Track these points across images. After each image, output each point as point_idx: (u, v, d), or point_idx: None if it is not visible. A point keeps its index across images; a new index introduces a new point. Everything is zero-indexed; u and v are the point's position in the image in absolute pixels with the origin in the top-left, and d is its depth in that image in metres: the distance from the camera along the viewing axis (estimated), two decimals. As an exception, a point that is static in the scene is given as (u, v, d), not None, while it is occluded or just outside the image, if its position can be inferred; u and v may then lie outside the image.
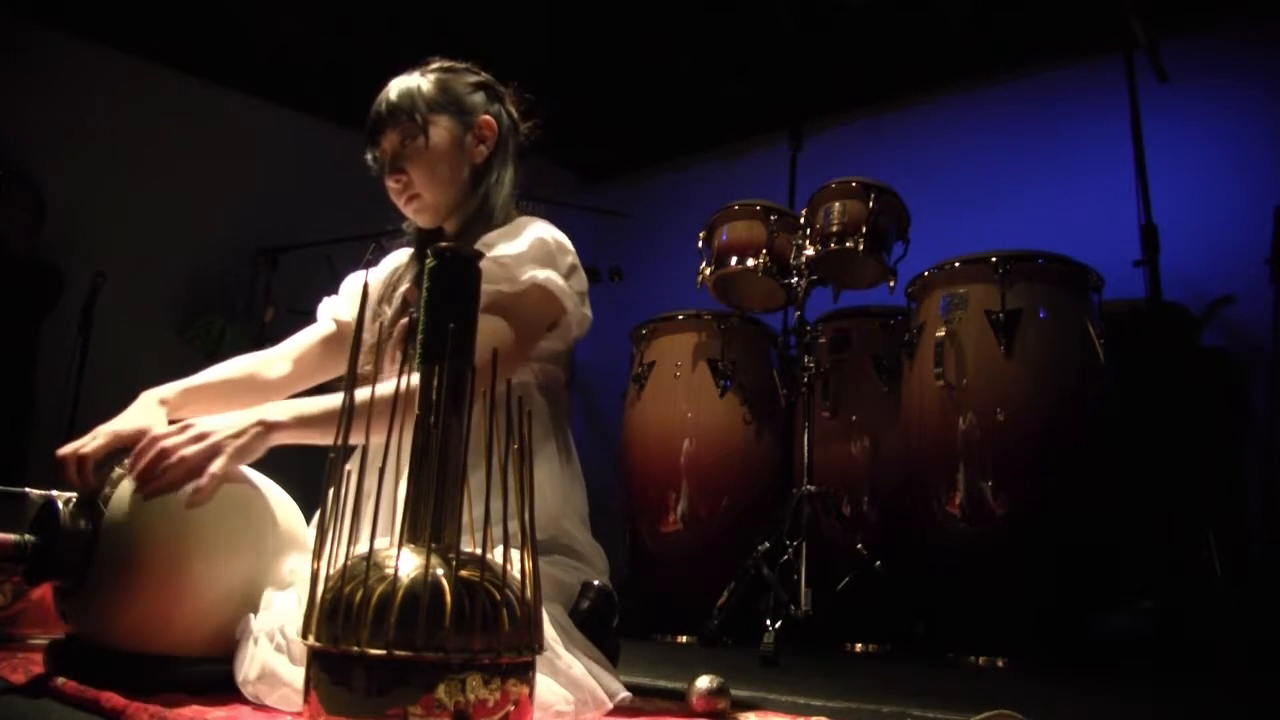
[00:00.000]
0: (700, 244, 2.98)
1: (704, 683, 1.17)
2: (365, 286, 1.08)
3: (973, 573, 2.41)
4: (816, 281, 2.73)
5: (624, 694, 1.13)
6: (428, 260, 0.97)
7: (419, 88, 1.47)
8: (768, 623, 2.17)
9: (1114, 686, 2.01)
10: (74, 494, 1.18)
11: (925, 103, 4.13)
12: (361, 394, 0.98)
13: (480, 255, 1.00)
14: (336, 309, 1.59)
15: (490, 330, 1.26)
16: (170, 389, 1.37)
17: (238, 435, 1.14)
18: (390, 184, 1.48)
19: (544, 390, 1.44)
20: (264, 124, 4.46)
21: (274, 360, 1.53)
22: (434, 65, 1.51)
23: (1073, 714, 1.57)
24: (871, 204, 2.66)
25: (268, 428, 1.16)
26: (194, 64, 4.22)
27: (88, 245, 3.77)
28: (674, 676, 1.54)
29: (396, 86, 1.48)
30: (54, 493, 1.36)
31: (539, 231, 1.38)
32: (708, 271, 2.92)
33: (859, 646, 2.64)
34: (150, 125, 4.11)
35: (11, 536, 1.09)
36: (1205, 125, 3.40)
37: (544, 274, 1.34)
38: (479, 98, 1.51)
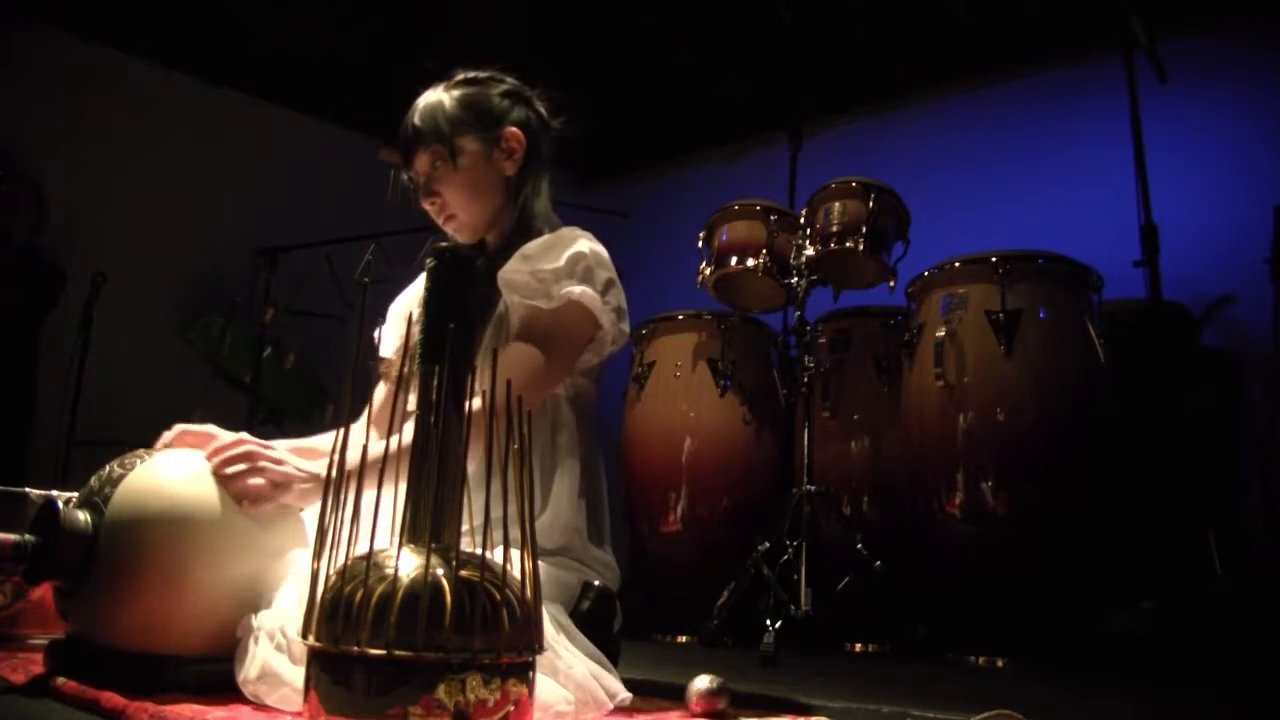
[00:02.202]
0: (700, 244, 2.98)
1: (704, 683, 1.17)
2: (361, 305, 1.08)
3: (973, 573, 2.41)
4: (816, 281, 2.72)
5: (625, 695, 1.13)
6: (428, 261, 0.97)
7: (443, 106, 1.45)
8: (768, 623, 2.17)
9: (1114, 686, 2.01)
10: (74, 494, 1.18)
11: (925, 103, 4.13)
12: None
13: (479, 255, 1.00)
14: (384, 353, 1.58)
15: (523, 356, 1.29)
16: (274, 445, 1.40)
17: (304, 482, 1.18)
18: (426, 206, 1.48)
19: (574, 404, 1.45)
20: (264, 124, 4.46)
21: (362, 432, 1.53)
22: (457, 78, 1.50)
23: (1073, 714, 1.57)
24: (871, 204, 2.66)
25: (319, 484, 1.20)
26: (194, 64, 4.22)
27: (88, 245, 3.77)
28: (674, 676, 1.53)
29: (421, 107, 1.46)
30: (54, 493, 1.36)
31: (579, 246, 1.38)
32: (708, 271, 2.92)
33: (859, 646, 2.64)
34: (150, 125, 4.11)
35: (11, 536, 1.09)
36: (1205, 125, 3.40)
37: (579, 290, 1.33)
38: (504, 107, 1.49)
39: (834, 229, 2.67)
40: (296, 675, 0.97)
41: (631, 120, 4.55)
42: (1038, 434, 2.35)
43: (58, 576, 1.11)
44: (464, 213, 1.46)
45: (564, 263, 1.34)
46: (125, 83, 4.07)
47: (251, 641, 1.05)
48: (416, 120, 1.45)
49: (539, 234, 1.44)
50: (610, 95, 4.37)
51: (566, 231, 1.44)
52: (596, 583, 1.35)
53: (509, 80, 1.53)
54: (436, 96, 1.47)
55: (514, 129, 1.48)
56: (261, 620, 1.07)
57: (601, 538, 1.43)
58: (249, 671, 1.02)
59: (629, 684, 1.16)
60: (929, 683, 1.99)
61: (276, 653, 1.02)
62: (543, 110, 1.54)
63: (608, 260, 1.41)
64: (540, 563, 1.29)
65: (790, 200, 3.55)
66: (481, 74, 1.51)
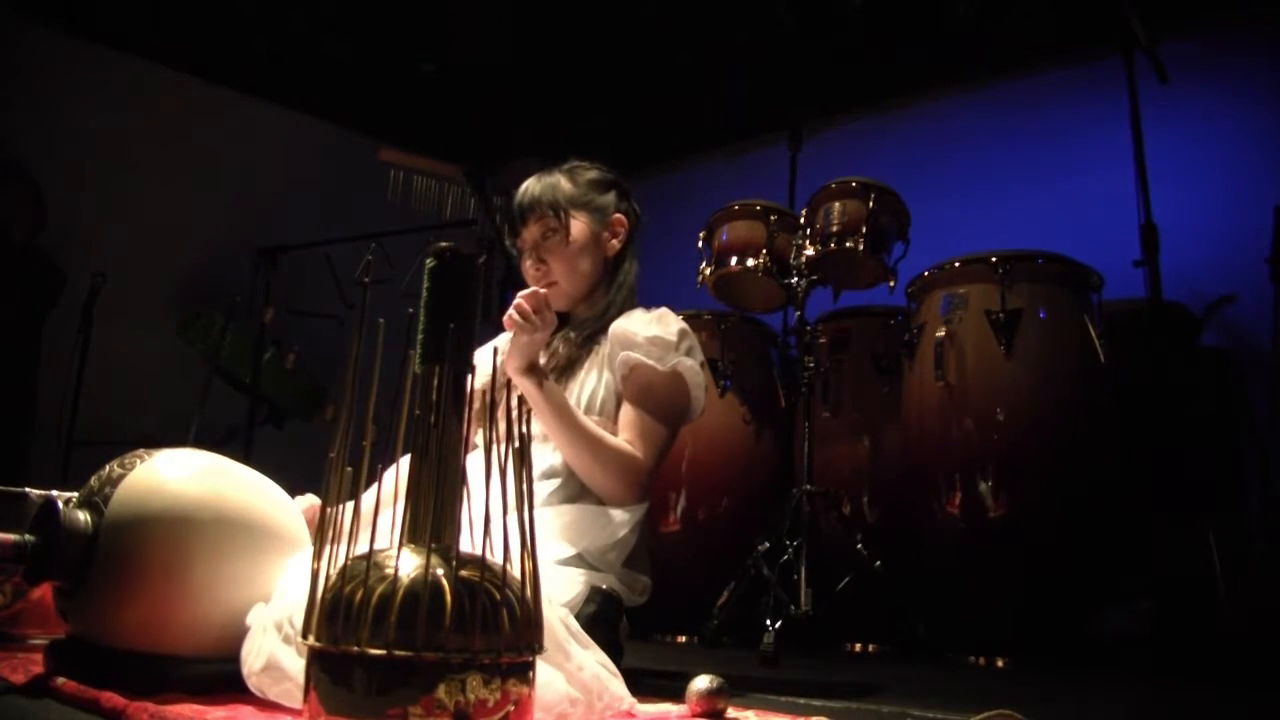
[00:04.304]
0: (700, 244, 2.98)
1: (703, 683, 1.17)
2: (361, 305, 1.08)
3: (973, 572, 2.41)
4: (816, 281, 2.72)
5: (629, 700, 1.13)
6: (428, 261, 0.97)
7: (561, 185, 1.65)
8: (768, 623, 2.17)
9: (1113, 686, 2.01)
10: (74, 494, 1.18)
11: (925, 103, 4.13)
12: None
13: (479, 256, 1.00)
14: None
15: (651, 431, 1.52)
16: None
17: (545, 331, 1.45)
18: (530, 271, 1.65)
19: None
20: (264, 124, 4.46)
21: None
22: (570, 165, 1.70)
23: (1073, 714, 1.57)
24: (871, 204, 2.66)
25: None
26: (194, 64, 4.22)
27: (88, 245, 3.77)
28: (674, 676, 1.53)
29: (539, 182, 1.65)
30: (54, 493, 1.36)
31: (682, 324, 1.59)
32: (708, 271, 2.92)
33: (859, 646, 2.64)
34: (150, 125, 4.11)
35: (11, 536, 1.08)
36: (1205, 125, 3.40)
37: (689, 364, 1.55)
38: (611, 196, 1.70)
39: (834, 229, 2.67)
40: (301, 669, 0.97)
41: (631, 120, 4.54)
42: (1038, 434, 2.35)
43: (58, 576, 1.11)
44: (566, 282, 1.64)
45: (676, 337, 1.55)
46: (125, 83, 4.07)
47: (259, 631, 1.04)
48: (536, 192, 1.63)
49: (627, 306, 1.65)
50: (610, 95, 4.37)
51: (665, 310, 1.63)
52: (604, 586, 1.36)
53: (613, 173, 1.75)
54: (554, 177, 1.66)
55: (620, 215, 1.70)
56: (270, 611, 1.06)
57: (635, 559, 1.52)
58: (253, 663, 1.02)
59: (628, 682, 1.16)
60: (929, 683, 1.99)
61: (284, 645, 1.01)
62: (637, 207, 1.75)
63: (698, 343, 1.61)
64: (557, 566, 1.31)
65: (790, 200, 3.55)
66: (590, 164, 1.73)
